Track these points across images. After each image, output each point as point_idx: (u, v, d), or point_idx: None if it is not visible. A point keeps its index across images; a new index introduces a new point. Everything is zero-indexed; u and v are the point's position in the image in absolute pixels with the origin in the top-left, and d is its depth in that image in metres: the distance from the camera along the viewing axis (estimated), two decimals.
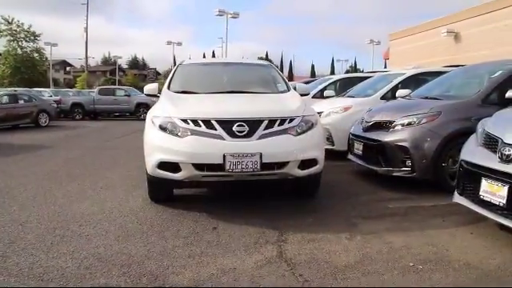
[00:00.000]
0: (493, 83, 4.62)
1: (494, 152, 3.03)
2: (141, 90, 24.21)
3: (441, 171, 4.53)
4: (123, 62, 76.48)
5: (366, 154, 5.14)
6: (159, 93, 4.94)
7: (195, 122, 3.72)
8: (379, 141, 4.84)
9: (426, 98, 5.30)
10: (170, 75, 5.06)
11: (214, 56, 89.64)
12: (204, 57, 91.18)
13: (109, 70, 74.17)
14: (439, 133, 4.50)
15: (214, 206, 4.08)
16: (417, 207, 4.11)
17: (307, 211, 3.99)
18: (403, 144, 4.60)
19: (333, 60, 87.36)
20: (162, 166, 3.73)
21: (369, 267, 2.71)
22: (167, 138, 3.75)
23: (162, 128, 3.82)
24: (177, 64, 5.46)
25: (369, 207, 4.13)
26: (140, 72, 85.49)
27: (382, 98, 7.08)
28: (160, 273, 2.61)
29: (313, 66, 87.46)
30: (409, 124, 4.70)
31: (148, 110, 16.62)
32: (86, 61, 41.27)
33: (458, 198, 3.44)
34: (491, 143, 3.13)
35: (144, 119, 18.00)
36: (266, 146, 3.63)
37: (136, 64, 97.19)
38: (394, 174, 4.73)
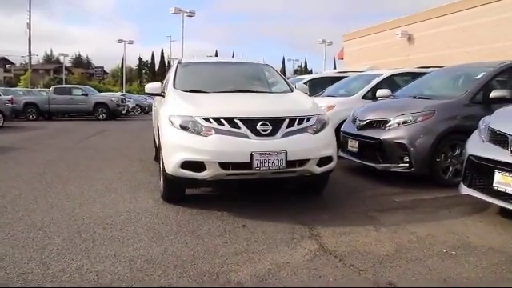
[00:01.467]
0: (478, 84, 5.05)
1: (504, 147, 3.37)
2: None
3: (435, 166, 4.89)
4: (67, 61, 72.92)
5: (363, 152, 5.40)
6: (163, 92, 4.89)
7: (218, 120, 3.76)
8: (377, 138, 5.11)
9: (414, 97, 5.67)
10: (173, 74, 5.00)
11: (163, 55, 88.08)
12: (153, 56, 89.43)
13: (53, 69, 70.54)
14: (434, 130, 4.85)
15: (229, 205, 4.09)
16: (420, 200, 4.41)
17: (321, 207, 4.16)
18: (401, 141, 4.90)
19: (284, 60, 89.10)
20: (186, 165, 3.72)
21: (408, 255, 2.92)
22: (190, 138, 3.74)
23: (183, 127, 3.81)
24: (175, 62, 5.40)
25: (377, 201, 4.38)
26: (86, 70, 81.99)
27: (363, 97, 7.43)
28: (217, 271, 2.64)
29: None
30: (404, 122, 5.01)
31: (107, 110, 16.23)
32: (30, 58, 38.92)
33: (466, 190, 3.75)
34: (499, 139, 3.47)
35: (103, 119, 17.71)
36: (290, 144, 3.75)
37: (80, 62, 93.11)
38: (392, 169, 5.02)
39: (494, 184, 3.35)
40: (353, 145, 5.59)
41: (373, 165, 5.21)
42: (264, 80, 5.21)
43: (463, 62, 11.93)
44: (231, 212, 3.89)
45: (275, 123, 3.78)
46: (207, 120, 3.77)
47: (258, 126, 3.73)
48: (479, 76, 5.18)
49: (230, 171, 3.71)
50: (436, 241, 3.20)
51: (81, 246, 3.05)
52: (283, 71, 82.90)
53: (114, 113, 18.86)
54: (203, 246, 3.08)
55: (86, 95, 18.64)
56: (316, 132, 3.99)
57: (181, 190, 4.21)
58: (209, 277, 2.56)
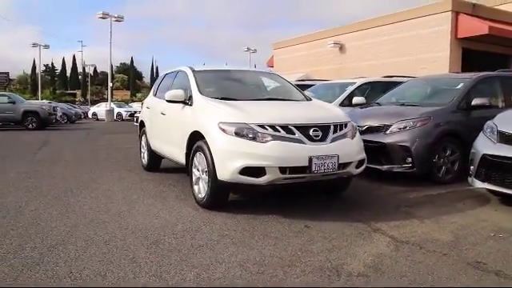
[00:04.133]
0: (462, 93, 5.85)
1: None
2: None
3: (432, 165, 5.54)
4: None
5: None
6: (188, 99, 4.86)
7: (273, 127, 3.92)
8: (381, 142, 5.63)
9: (403, 104, 6.33)
10: (193, 81, 4.99)
11: (75, 61, 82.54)
12: (64, 62, 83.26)
13: None
14: (431, 134, 5.50)
15: (272, 209, 4.22)
16: (430, 196, 4.98)
17: (356, 206, 4.55)
18: (405, 144, 5.47)
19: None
20: (246, 171, 3.81)
21: (468, 240, 3.39)
22: (248, 144, 3.85)
23: (238, 134, 3.90)
24: (188, 70, 5.33)
25: (397, 198, 4.86)
26: None
27: (341, 104, 8.01)
28: (330, 266, 2.82)
29: None
30: (405, 127, 5.60)
31: (38, 118, 15.13)
32: None
33: (480, 184, 4.38)
34: (511, 140, 4.14)
35: (33, 129, 16.66)
36: (339, 148, 4.05)
37: None
38: (395, 170, 5.57)
39: None
40: None
41: (377, 167, 5.70)
42: (284, 88, 5.44)
43: (393, 71, 13.34)
44: (281, 215, 4.04)
45: (324, 129, 4.06)
46: (262, 127, 3.91)
47: (311, 132, 3.97)
48: (459, 86, 5.99)
49: (287, 175, 3.89)
50: (477, 227, 3.73)
51: (173, 257, 3.00)
52: None
53: (44, 122, 17.45)
54: (291, 246, 3.23)
55: (14, 103, 16.95)
56: (353, 137, 4.34)
57: (225, 197, 4.27)
58: (329, 271, 2.74)
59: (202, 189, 4.34)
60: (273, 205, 4.49)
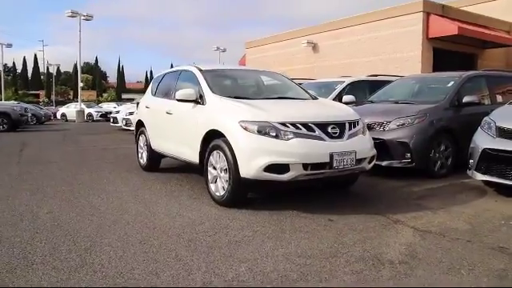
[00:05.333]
0: (453, 91, 6.19)
1: None
2: None
3: (429, 160, 5.84)
4: None
5: None
6: (199, 98, 4.89)
7: (294, 125, 4.04)
8: (380, 139, 5.85)
9: (396, 102, 6.62)
10: (203, 81, 5.03)
11: (36, 60, 79.16)
12: (25, 61, 79.60)
13: None
14: (428, 130, 5.80)
15: (287, 206, 4.34)
16: (432, 189, 5.26)
17: (368, 200, 4.76)
18: (404, 140, 5.74)
19: (171, 67, 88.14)
20: (270, 168, 3.91)
21: (483, 227, 3.65)
22: (272, 142, 3.95)
23: (261, 132, 4.00)
24: (195, 69, 5.36)
25: (403, 192, 5.11)
26: None
27: None
28: (369, 255, 2.98)
29: (151, 72, 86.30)
30: (403, 124, 5.87)
31: (10, 120, 14.49)
32: None
33: (481, 177, 4.70)
34: (510, 135, 4.46)
35: (4, 130, 16.04)
36: (356, 144, 4.23)
37: None
38: (395, 165, 5.83)
39: None
40: None
41: (377, 162, 5.93)
42: (291, 87, 5.56)
43: (366, 70, 13.76)
44: (300, 210, 4.17)
45: (340, 126, 4.23)
46: (284, 125, 4.02)
47: (329, 130, 4.13)
48: (450, 84, 6.34)
49: (309, 171, 4.02)
50: (487, 216, 4.01)
51: (216, 253, 3.06)
52: None
53: (16, 123, 16.76)
54: (325, 238, 3.36)
55: None
56: (364, 134, 4.54)
57: (246, 194, 4.35)
58: (372, 260, 2.89)
59: (220, 187, 4.40)
60: (288, 201, 4.60)
